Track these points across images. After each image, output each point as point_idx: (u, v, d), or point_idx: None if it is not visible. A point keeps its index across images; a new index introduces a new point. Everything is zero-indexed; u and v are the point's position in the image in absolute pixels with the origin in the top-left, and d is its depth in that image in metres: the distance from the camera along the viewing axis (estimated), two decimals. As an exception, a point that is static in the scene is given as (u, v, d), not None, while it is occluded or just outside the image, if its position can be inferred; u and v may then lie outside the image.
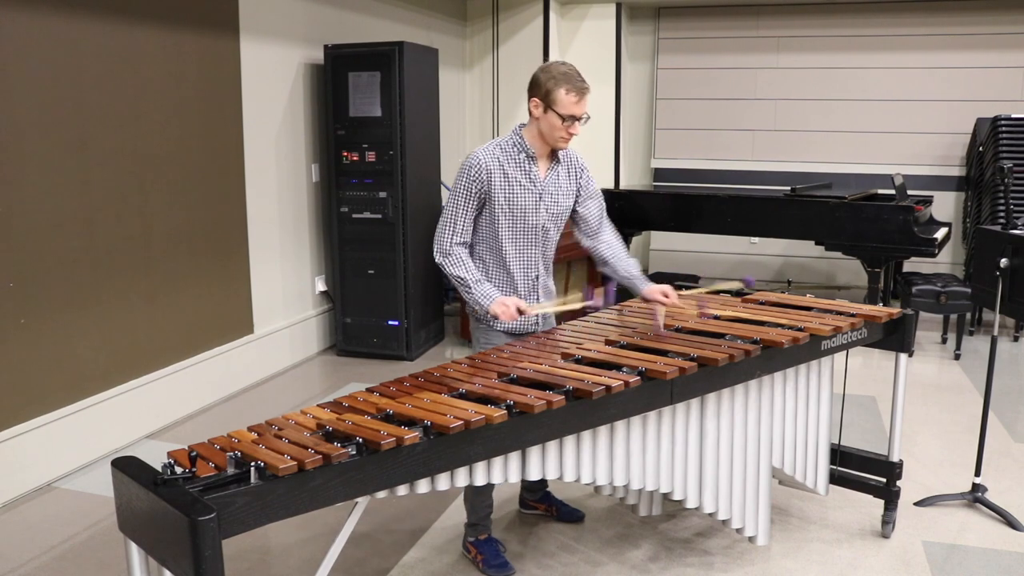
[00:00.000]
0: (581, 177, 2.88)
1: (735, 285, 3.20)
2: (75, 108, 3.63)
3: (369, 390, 2.19)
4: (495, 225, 2.76)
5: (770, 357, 2.60)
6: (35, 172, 3.46)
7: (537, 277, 2.86)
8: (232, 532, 1.61)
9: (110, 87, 3.80)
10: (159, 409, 4.19)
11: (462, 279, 2.71)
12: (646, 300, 2.88)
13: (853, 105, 7.51)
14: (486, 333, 2.82)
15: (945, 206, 7.28)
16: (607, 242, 2.94)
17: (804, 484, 3.01)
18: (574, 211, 2.90)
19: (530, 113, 2.72)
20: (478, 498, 2.86)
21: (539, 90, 2.67)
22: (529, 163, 2.75)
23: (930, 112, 7.32)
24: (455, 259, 2.73)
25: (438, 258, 2.77)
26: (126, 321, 3.98)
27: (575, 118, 2.67)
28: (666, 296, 2.81)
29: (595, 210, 2.92)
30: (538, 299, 2.87)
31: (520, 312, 2.67)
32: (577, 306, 2.77)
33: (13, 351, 3.40)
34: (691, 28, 7.86)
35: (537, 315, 2.84)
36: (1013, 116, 6.29)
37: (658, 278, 3.23)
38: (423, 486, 1.97)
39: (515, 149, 2.75)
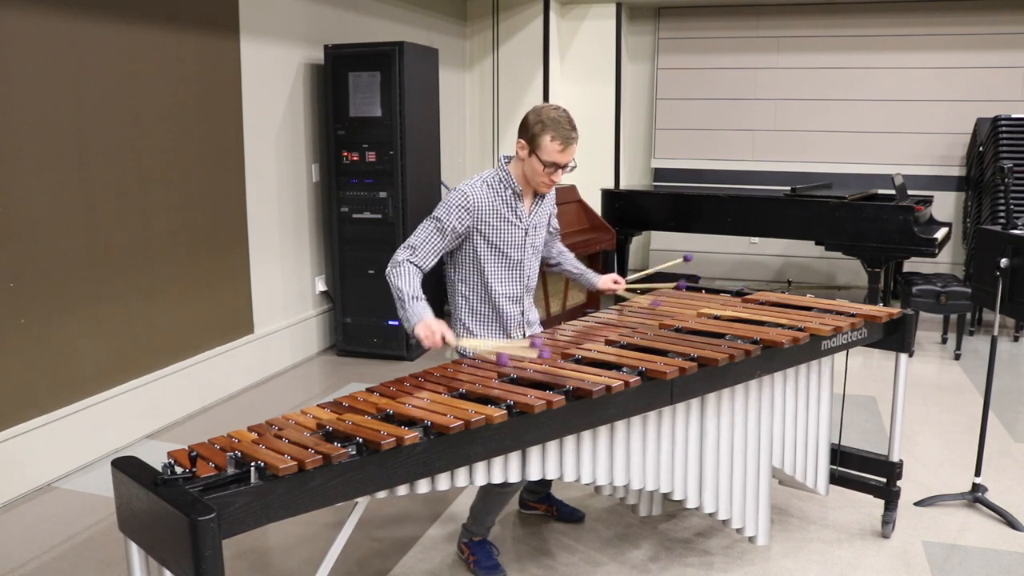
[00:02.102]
0: (551, 201, 2.90)
1: (675, 263, 3.27)
2: (75, 108, 3.63)
3: (369, 390, 2.19)
4: (480, 262, 2.72)
5: (770, 357, 2.60)
6: (35, 172, 3.46)
7: (523, 312, 2.84)
8: (232, 532, 1.61)
9: (110, 87, 3.80)
10: (159, 409, 4.19)
11: (400, 291, 2.57)
12: (600, 289, 3.06)
13: (853, 105, 7.51)
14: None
15: (945, 206, 7.28)
16: (558, 245, 3.10)
17: (804, 484, 3.01)
18: None
19: (516, 153, 2.67)
20: (487, 515, 2.84)
21: (527, 132, 2.60)
22: (515, 200, 2.71)
23: (930, 112, 7.32)
24: (402, 271, 2.60)
25: (388, 267, 2.65)
26: (126, 321, 3.98)
27: (557, 166, 2.60)
28: (616, 282, 3.04)
29: (555, 224, 3.03)
30: (523, 333, 2.84)
31: (444, 340, 2.52)
32: (507, 350, 2.52)
33: (13, 351, 3.40)
34: (691, 28, 7.87)
35: (461, 348, 2.66)
36: (1013, 116, 6.29)
37: (658, 278, 3.27)
38: (423, 486, 1.97)
39: (501, 185, 2.69)
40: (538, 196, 2.79)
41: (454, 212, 2.64)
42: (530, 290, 2.87)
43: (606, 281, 3.05)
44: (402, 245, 2.69)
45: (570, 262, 3.12)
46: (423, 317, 2.53)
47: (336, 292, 5.46)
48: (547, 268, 3.16)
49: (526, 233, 2.75)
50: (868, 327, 2.93)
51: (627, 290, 3.12)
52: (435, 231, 2.66)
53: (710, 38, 7.82)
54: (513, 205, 2.70)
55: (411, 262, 2.65)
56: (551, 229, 3.01)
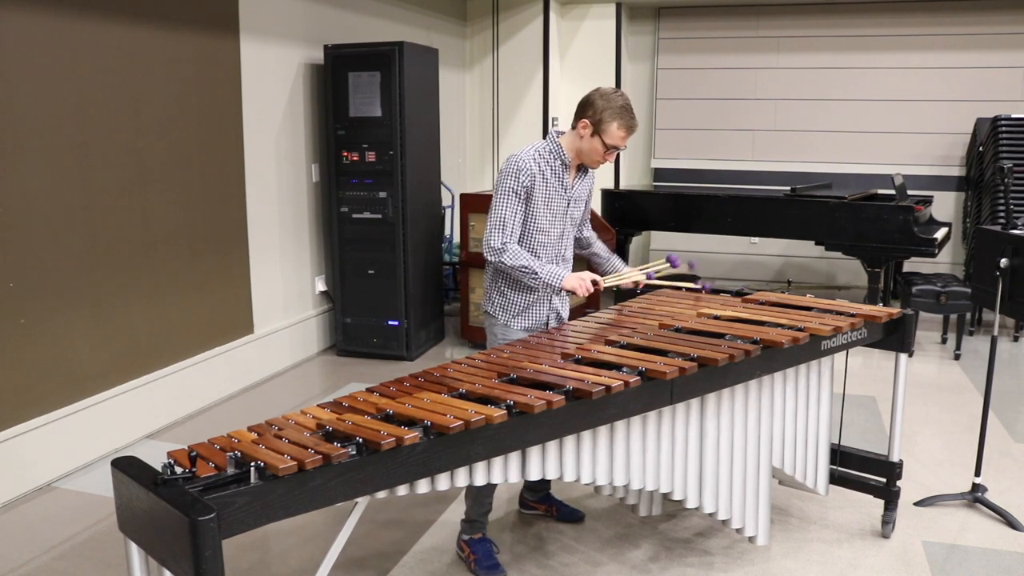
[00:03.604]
0: (592, 182, 3.03)
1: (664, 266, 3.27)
2: (75, 108, 3.63)
3: (369, 390, 2.19)
4: (526, 227, 2.84)
5: (770, 357, 2.60)
6: (35, 172, 3.46)
7: None
8: (232, 532, 1.61)
9: (110, 87, 3.80)
10: (159, 409, 4.19)
11: (527, 267, 2.76)
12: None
13: (853, 105, 7.51)
14: (504, 330, 2.89)
15: (945, 206, 7.28)
16: (588, 233, 3.21)
17: (804, 484, 3.01)
18: None
19: (574, 127, 2.80)
20: (480, 495, 2.86)
21: (593, 115, 2.73)
22: (563, 170, 2.85)
23: (930, 112, 7.32)
24: (512, 253, 2.78)
25: (493, 257, 2.80)
26: (126, 321, 3.98)
27: (617, 149, 2.79)
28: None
29: (587, 209, 3.14)
30: (550, 305, 2.96)
31: (595, 284, 2.79)
32: (642, 278, 2.94)
33: (13, 351, 3.40)
34: (691, 28, 7.86)
35: (611, 286, 2.95)
36: (1013, 116, 6.29)
37: (658, 278, 3.26)
38: (423, 486, 1.97)
39: (552, 156, 2.83)
40: (580, 171, 2.92)
41: (514, 177, 2.77)
42: (566, 260, 2.98)
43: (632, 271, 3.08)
44: (490, 228, 2.82)
45: (599, 245, 3.21)
46: (563, 274, 2.78)
47: (336, 292, 5.47)
48: (578, 250, 3.22)
49: (568, 204, 2.89)
50: (868, 327, 2.93)
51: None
52: (512, 203, 2.79)
53: (710, 38, 7.82)
54: (561, 175, 2.84)
55: (509, 242, 2.79)
56: (587, 213, 3.13)
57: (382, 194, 5.23)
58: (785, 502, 3.36)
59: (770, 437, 2.81)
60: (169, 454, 1.76)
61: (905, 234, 5.56)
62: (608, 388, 2.15)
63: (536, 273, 2.76)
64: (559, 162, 2.83)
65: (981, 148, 6.60)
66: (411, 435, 1.83)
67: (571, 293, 2.82)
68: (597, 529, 3.17)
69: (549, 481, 3.29)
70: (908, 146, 7.42)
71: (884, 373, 5.10)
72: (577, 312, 3.00)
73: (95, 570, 2.89)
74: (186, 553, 1.49)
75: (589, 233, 3.21)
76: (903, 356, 3.03)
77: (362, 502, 1.99)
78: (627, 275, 2.99)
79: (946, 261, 7.35)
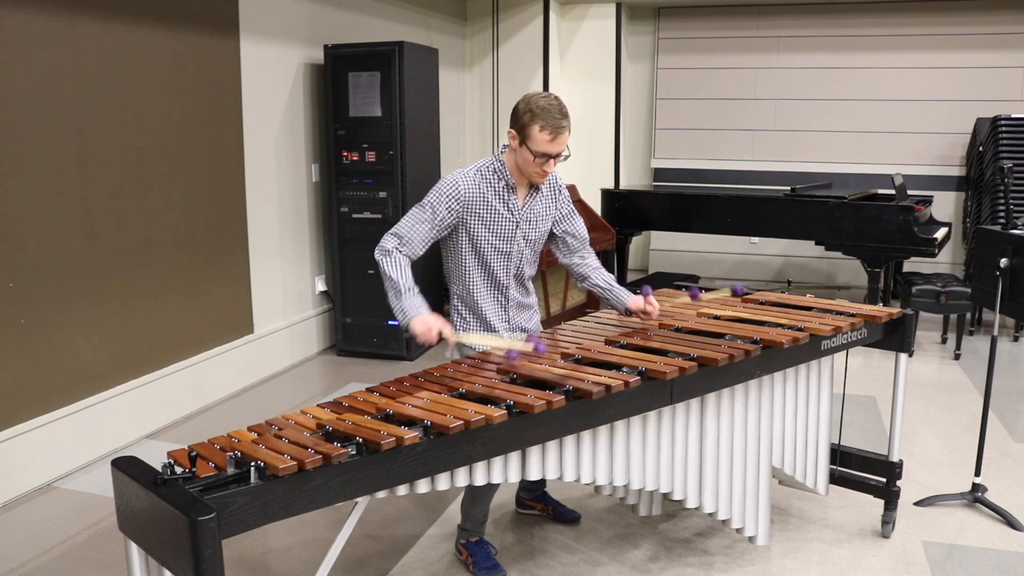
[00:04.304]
0: (559, 198, 2.81)
1: (725, 293, 3.21)
2: (75, 108, 3.63)
3: (369, 390, 2.19)
4: (470, 252, 2.68)
5: (770, 357, 2.60)
6: (35, 172, 3.46)
7: (509, 302, 2.78)
8: (232, 532, 1.61)
9: (110, 87, 3.80)
10: (159, 409, 4.19)
11: (394, 281, 2.53)
12: (631, 312, 2.81)
13: (853, 105, 7.51)
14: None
15: (945, 206, 7.28)
16: (588, 260, 2.90)
17: (804, 484, 3.01)
18: (551, 233, 2.82)
19: (509, 143, 2.63)
20: (475, 508, 2.85)
21: (517, 121, 2.55)
22: (507, 192, 2.65)
23: (930, 112, 7.33)
24: (395, 260, 2.57)
25: (377, 255, 2.60)
26: (126, 321, 3.98)
27: (548, 156, 2.54)
28: (649, 304, 2.76)
29: (579, 230, 2.87)
30: (508, 321, 2.78)
31: (441, 336, 2.50)
32: (504, 346, 2.54)
33: (13, 351, 3.40)
34: (691, 28, 7.87)
35: (457, 345, 2.65)
36: (1013, 116, 6.29)
37: (658, 278, 3.26)
38: (423, 486, 1.97)
39: (495, 176, 2.64)
40: (533, 188, 2.72)
41: (444, 202, 2.61)
42: (523, 285, 2.81)
43: (638, 302, 2.78)
44: (390, 232, 2.63)
45: (600, 277, 2.88)
46: (419, 312, 2.50)
47: (336, 292, 5.47)
48: (576, 281, 2.97)
49: (517, 226, 2.69)
50: (868, 327, 2.93)
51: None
52: (425, 220, 2.62)
53: (710, 38, 7.82)
54: (505, 197, 2.66)
55: (400, 252, 2.59)
56: (574, 235, 2.86)
57: (382, 194, 5.23)
58: (785, 502, 3.36)
59: (770, 437, 2.81)
60: (169, 454, 1.76)
61: (905, 234, 5.56)
62: (608, 388, 2.15)
63: (399, 294, 2.51)
64: (502, 183, 2.63)
65: (981, 148, 6.60)
66: (411, 435, 1.83)
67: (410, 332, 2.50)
68: (597, 529, 3.17)
69: (544, 480, 3.28)
70: (908, 146, 7.42)
71: (884, 373, 5.10)
72: (577, 312, 2.99)
73: (95, 570, 2.89)
74: (186, 553, 1.49)
75: (585, 261, 2.89)
76: (903, 356, 3.03)
77: (362, 502, 1.99)
78: (479, 340, 2.66)
79: (946, 261, 7.35)
